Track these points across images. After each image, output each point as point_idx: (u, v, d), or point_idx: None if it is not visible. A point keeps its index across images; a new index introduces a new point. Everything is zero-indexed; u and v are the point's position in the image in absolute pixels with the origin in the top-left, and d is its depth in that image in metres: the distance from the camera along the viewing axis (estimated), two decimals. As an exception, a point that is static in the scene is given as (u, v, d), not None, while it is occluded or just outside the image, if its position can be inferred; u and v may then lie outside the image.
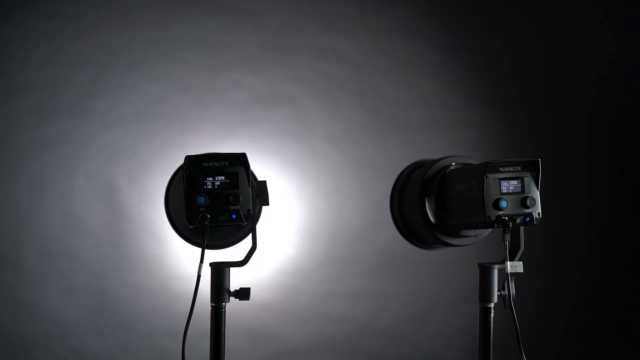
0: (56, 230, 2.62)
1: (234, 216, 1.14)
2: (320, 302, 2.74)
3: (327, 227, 2.83)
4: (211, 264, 1.21)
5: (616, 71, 3.00)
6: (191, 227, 1.19)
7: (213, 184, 1.06)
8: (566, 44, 3.01)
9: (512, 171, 1.18)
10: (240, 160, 1.08)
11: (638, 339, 2.91)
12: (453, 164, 1.25)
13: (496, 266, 1.24)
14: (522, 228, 1.18)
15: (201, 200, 1.13)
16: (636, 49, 3.01)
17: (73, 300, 2.62)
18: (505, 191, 1.16)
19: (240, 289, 1.11)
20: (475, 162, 1.25)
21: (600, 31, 3.01)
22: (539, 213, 1.18)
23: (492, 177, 1.16)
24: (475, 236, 1.26)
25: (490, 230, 1.25)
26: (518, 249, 1.24)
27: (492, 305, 1.27)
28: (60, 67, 2.66)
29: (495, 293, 1.25)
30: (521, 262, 1.22)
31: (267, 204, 1.11)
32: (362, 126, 2.90)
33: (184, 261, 2.61)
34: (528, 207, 1.17)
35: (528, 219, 1.17)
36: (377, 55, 2.91)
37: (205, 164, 1.08)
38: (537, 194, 1.18)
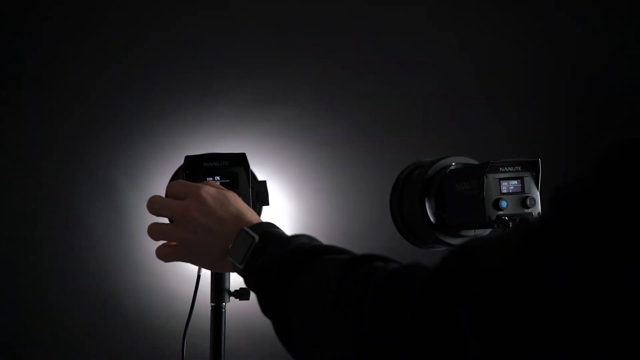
0: (56, 230, 2.63)
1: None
2: (320, 302, 2.74)
3: (327, 227, 2.83)
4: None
5: (617, 71, 3.00)
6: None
7: (213, 184, 1.06)
8: (567, 43, 3.01)
9: (512, 171, 1.18)
10: (240, 160, 1.08)
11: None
12: (453, 164, 1.25)
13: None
14: (522, 228, 1.17)
15: None
16: (637, 48, 3.01)
17: (73, 300, 2.62)
18: (505, 191, 1.16)
19: (241, 288, 1.11)
20: (475, 162, 1.25)
21: (600, 31, 3.01)
22: (539, 213, 1.18)
23: (492, 177, 1.16)
24: (476, 236, 1.26)
25: (490, 230, 1.25)
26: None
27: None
28: (61, 66, 2.66)
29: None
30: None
31: (267, 204, 1.10)
32: (362, 126, 2.90)
33: (184, 261, 2.61)
34: (528, 207, 1.17)
35: (528, 219, 1.17)
36: (377, 55, 2.91)
37: (205, 164, 1.08)
38: (537, 194, 1.18)
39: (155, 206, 0.95)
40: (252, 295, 0.86)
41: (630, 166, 0.51)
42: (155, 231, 0.95)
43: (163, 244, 0.96)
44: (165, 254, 0.95)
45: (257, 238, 0.86)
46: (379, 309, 0.63)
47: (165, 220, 0.98)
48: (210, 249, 0.91)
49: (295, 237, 0.84)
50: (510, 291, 0.54)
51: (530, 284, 0.53)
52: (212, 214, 0.91)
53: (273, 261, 0.81)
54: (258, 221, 0.91)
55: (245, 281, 0.87)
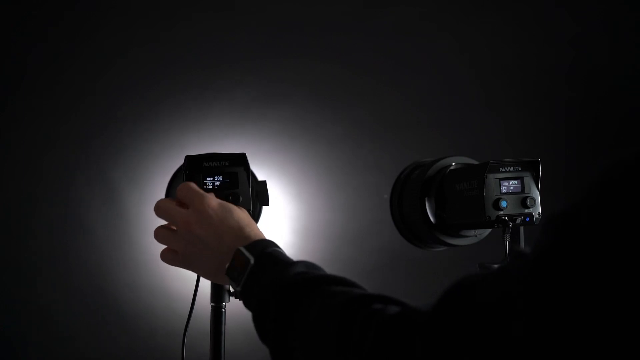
0: (56, 230, 2.62)
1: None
2: (320, 302, 2.74)
3: (326, 227, 2.83)
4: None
5: (618, 71, 3.00)
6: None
7: (213, 184, 1.06)
8: (566, 43, 3.01)
9: (512, 171, 1.17)
10: (240, 160, 1.08)
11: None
12: (453, 164, 1.25)
13: (496, 266, 1.23)
14: (522, 228, 1.18)
15: None
16: (636, 48, 3.01)
17: (72, 300, 2.62)
18: (505, 191, 1.16)
19: (241, 289, 1.11)
20: (475, 162, 1.25)
21: (599, 31, 3.01)
22: (539, 213, 1.18)
23: (492, 177, 1.16)
24: (475, 236, 1.26)
25: (490, 230, 1.25)
26: (518, 249, 1.24)
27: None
28: (61, 67, 2.66)
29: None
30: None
31: (267, 204, 1.10)
32: (362, 126, 2.90)
33: (184, 261, 2.60)
34: (528, 207, 1.17)
35: (528, 219, 1.17)
36: (377, 55, 2.91)
37: (205, 164, 1.07)
38: (537, 194, 1.18)
39: (159, 211, 0.95)
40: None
41: (634, 190, 0.48)
42: (159, 234, 0.96)
43: (167, 248, 0.96)
44: (167, 259, 0.96)
45: (252, 260, 0.85)
46: (380, 358, 0.63)
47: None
48: (207, 262, 0.91)
49: (293, 265, 0.83)
50: (512, 341, 0.52)
51: (533, 323, 0.51)
52: (211, 228, 0.90)
53: (272, 291, 0.80)
54: (257, 237, 0.90)
55: (243, 303, 0.87)
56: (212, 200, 0.93)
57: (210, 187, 1.05)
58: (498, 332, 0.53)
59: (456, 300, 0.58)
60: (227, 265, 0.88)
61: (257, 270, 0.84)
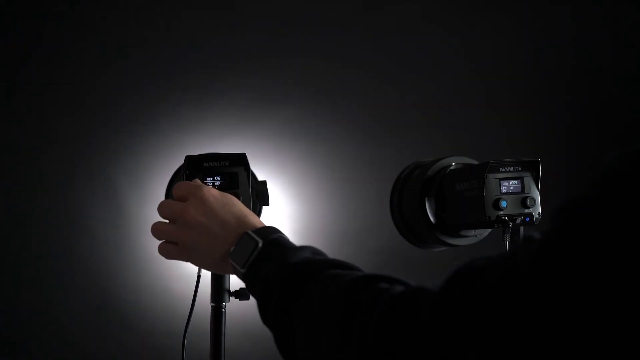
0: (56, 230, 2.62)
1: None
2: (320, 302, 2.74)
3: (327, 227, 2.83)
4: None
5: (616, 71, 3.00)
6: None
7: (213, 184, 1.06)
8: (566, 44, 3.01)
9: (512, 171, 1.18)
10: (240, 160, 1.08)
11: None
12: (453, 164, 1.25)
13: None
14: (522, 228, 1.18)
15: None
16: (636, 49, 3.01)
17: (73, 300, 2.62)
18: (505, 191, 1.16)
19: (241, 288, 1.12)
20: (475, 162, 1.25)
21: (599, 31, 3.01)
22: (539, 213, 1.18)
23: (492, 177, 1.16)
24: (475, 236, 1.26)
25: (490, 230, 1.25)
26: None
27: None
28: (60, 67, 2.66)
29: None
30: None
31: (267, 204, 1.10)
32: (362, 126, 2.90)
33: (184, 261, 2.61)
34: (528, 207, 1.17)
35: (528, 219, 1.17)
36: (377, 55, 2.91)
37: (205, 164, 1.07)
38: (537, 194, 1.18)
39: (162, 208, 0.95)
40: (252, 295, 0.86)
41: None
42: (157, 229, 0.95)
43: (165, 241, 0.95)
44: (166, 252, 0.94)
45: (261, 242, 0.85)
46: (383, 338, 0.63)
47: None
48: (210, 249, 0.91)
49: (299, 250, 0.83)
50: (518, 323, 0.53)
51: (541, 314, 0.51)
52: (213, 215, 0.90)
53: (276, 275, 0.80)
54: (261, 225, 0.90)
55: (247, 287, 0.87)
56: (212, 190, 0.93)
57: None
58: (504, 317, 0.54)
59: (464, 283, 0.58)
60: (232, 249, 0.87)
61: (264, 253, 0.84)
